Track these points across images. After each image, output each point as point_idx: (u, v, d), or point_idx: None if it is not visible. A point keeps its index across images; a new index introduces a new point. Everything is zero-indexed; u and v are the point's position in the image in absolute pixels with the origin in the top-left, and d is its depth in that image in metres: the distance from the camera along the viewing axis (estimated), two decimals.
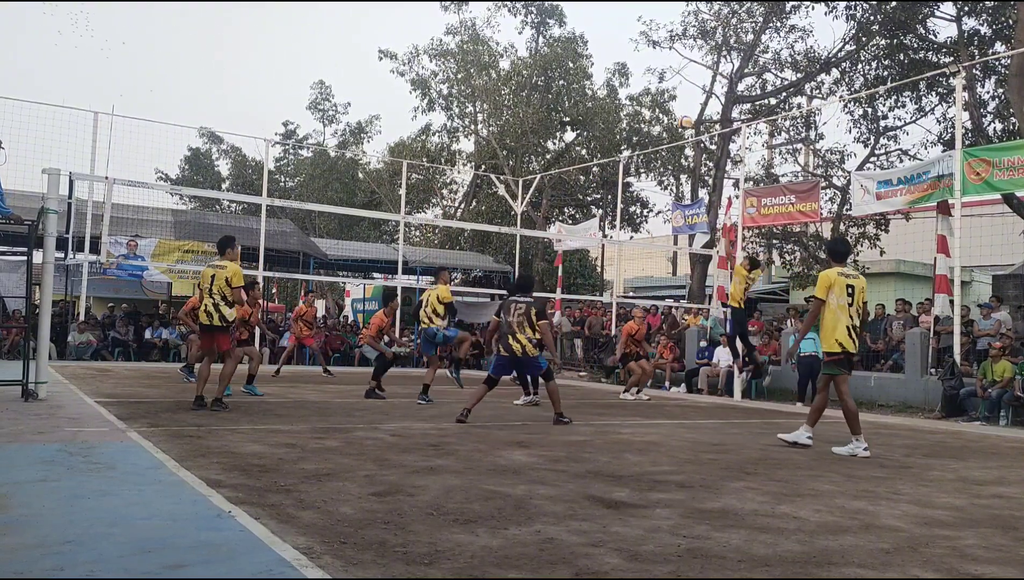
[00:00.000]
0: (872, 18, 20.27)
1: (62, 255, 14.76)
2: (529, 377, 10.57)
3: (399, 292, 21.51)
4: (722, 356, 15.44)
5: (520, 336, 8.26)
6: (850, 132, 24.18)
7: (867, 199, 14.00)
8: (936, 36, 20.31)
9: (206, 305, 8.42)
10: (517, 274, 10.28)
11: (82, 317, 17.83)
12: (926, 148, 21.08)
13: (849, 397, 6.95)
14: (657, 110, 28.75)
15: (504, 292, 10.60)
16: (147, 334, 18.99)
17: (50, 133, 16.30)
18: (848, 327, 6.85)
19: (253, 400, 9.74)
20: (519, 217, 23.02)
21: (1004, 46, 18.36)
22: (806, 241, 22.15)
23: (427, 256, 25.39)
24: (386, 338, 11.77)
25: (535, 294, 9.19)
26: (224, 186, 38.12)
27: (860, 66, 21.69)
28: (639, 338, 13.32)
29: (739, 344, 13.62)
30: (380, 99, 65.08)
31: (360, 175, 35.21)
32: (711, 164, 24.05)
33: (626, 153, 26.08)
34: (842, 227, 21.56)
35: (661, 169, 27.90)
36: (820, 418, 7.21)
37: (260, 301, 13.92)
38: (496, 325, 8.66)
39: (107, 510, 3.77)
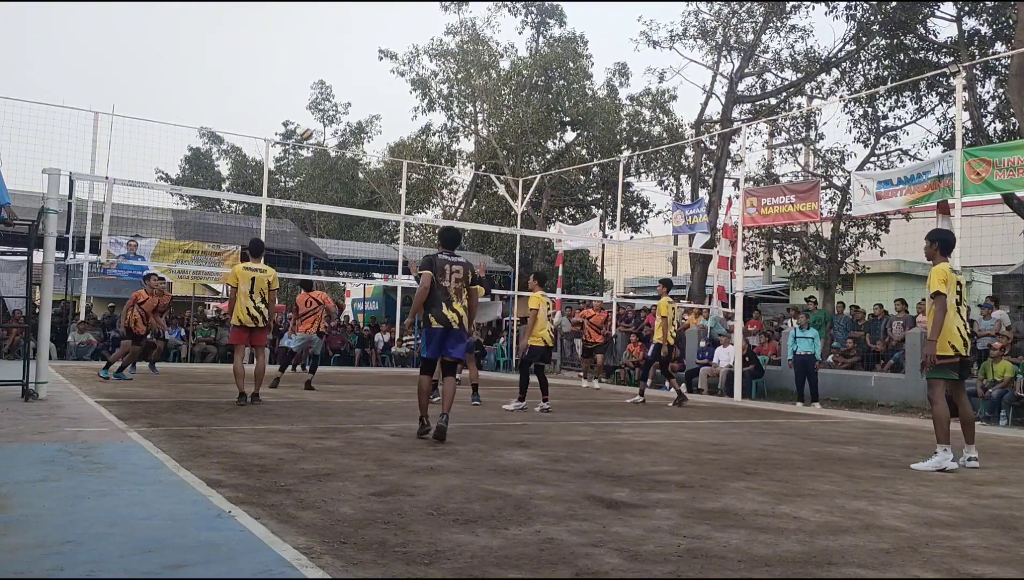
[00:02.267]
0: (872, 18, 20.26)
1: (62, 255, 14.76)
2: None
3: (399, 292, 21.63)
4: (722, 356, 15.45)
5: (457, 305, 6.89)
6: (850, 132, 24.14)
7: (867, 199, 14.00)
8: (936, 36, 20.30)
9: (247, 307, 8.83)
10: (442, 227, 8.44)
11: (82, 317, 17.84)
12: (926, 148, 21.06)
13: (943, 403, 6.34)
14: (657, 110, 28.74)
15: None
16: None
17: (50, 133, 16.34)
18: (959, 329, 6.27)
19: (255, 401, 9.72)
20: (519, 217, 23.02)
21: (1004, 46, 18.35)
22: (806, 241, 22.14)
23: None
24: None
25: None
26: (224, 186, 38.12)
27: (860, 66, 21.67)
28: (596, 323, 15.68)
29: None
30: (380, 99, 65.13)
31: (360, 175, 35.21)
32: (711, 164, 24.04)
33: (626, 153, 26.07)
34: (842, 227, 21.55)
35: (661, 169, 27.89)
36: (949, 429, 6.30)
37: (164, 294, 13.69)
38: (429, 284, 6.81)
39: (107, 510, 3.77)
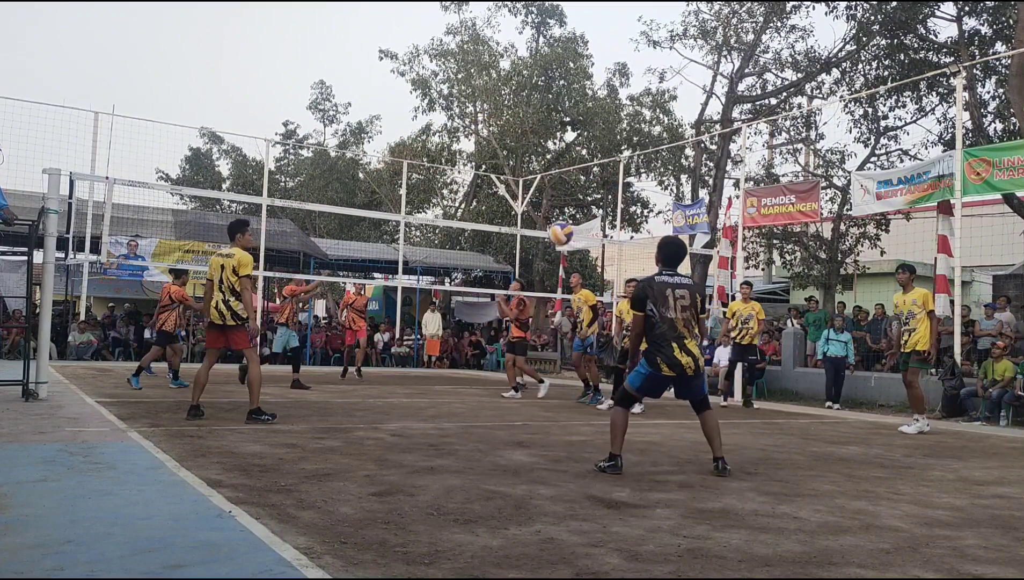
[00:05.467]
0: (872, 18, 20.24)
1: (62, 255, 14.76)
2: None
3: (399, 292, 21.61)
4: (722, 356, 15.42)
5: (691, 343, 5.41)
6: (850, 132, 24.07)
7: (867, 199, 13.99)
8: (936, 36, 20.26)
9: (216, 302, 7.40)
10: (661, 241, 5.83)
11: (82, 317, 17.84)
12: (926, 148, 21.04)
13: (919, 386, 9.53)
14: (657, 110, 28.71)
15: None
16: (147, 334, 19.00)
17: (50, 133, 16.33)
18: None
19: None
20: (519, 217, 23.02)
21: (1004, 46, 18.34)
22: (806, 241, 22.13)
23: (427, 256, 25.38)
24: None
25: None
26: (224, 186, 38.07)
27: (860, 66, 21.64)
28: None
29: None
30: (380, 99, 65.14)
31: (360, 175, 35.18)
32: (711, 164, 24.03)
33: (626, 153, 26.05)
34: (842, 227, 21.55)
35: (661, 169, 27.85)
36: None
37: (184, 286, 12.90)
38: (642, 330, 5.51)
39: (107, 510, 3.77)
